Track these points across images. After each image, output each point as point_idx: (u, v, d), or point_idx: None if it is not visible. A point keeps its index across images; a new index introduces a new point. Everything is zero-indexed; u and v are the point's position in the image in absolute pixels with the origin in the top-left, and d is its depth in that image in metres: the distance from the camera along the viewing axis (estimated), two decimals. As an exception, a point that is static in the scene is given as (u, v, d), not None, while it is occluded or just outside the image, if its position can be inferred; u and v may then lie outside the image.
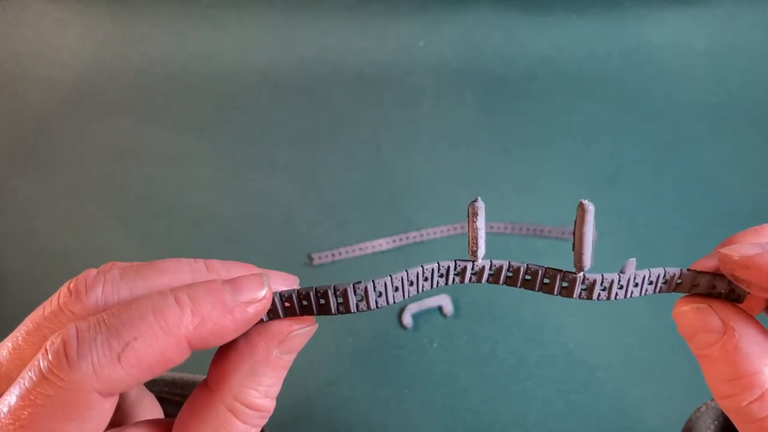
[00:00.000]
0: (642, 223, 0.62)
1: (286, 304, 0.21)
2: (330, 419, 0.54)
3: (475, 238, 0.20)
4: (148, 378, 0.18)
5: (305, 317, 0.21)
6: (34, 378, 0.17)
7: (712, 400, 0.29)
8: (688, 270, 0.22)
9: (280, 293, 0.21)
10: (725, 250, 0.20)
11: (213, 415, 0.19)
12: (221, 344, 0.20)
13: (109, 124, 0.70)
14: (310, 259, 0.62)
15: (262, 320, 0.21)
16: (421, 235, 0.62)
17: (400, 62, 0.72)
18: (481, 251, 0.21)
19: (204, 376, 0.21)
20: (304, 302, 0.21)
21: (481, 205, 0.20)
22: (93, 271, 0.20)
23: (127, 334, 0.17)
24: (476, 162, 0.66)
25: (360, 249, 0.62)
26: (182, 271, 0.21)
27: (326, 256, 0.62)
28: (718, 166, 0.66)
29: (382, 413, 0.54)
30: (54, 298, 0.19)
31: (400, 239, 0.62)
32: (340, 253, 0.62)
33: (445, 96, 0.70)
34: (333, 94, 0.71)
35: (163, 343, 0.18)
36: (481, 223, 0.20)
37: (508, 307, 0.58)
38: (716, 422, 0.28)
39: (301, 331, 0.21)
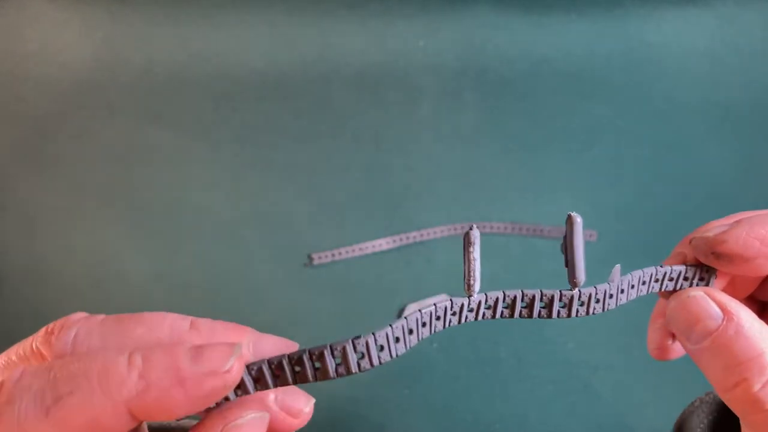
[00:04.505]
0: (642, 223, 0.62)
1: (256, 376, 0.18)
2: (330, 419, 0.54)
3: (472, 271, 0.19)
4: None
5: (250, 402, 0.18)
6: None
7: (706, 394, 0.29)
8: (663, 266, 0.22)
9: (269, 360, 0.18)
10: (698, 233, 0.22)
11: None
12: (171, 419, 0.17)
13: (109, 124, 0.69)
14: (310, 259, 0.62)
15: (228, 398, 0.18)
16: (421, 235, 0.62)
17: (400, 62, 0.72)
18: (477, 285, 0.20)
19: (194, 422, 0.18)
20: (297, 368, 0.18)
21: (476, 233, 0.19)
22: (77, 315, 0.19)
23: (63, 387, 0.15)
24: (476, 162, 0.66)
25: (360, 249, 0.62)
26: (161, 326, 0.19)
27: (326, 256, 0.62)
28: (718, 166, 0.66)
29: (382, 413, 0.54)
30: (33, 337, 0.18)
31: (400, 239, 0.62)
32: (340, 253, 0.62)
33: (445, 96, 0.70)
34: (333, 94, 0.71)
35: (98, 405, 0.15)
36: (477, 252, 0.19)
37: (508, 307, 0.58)
38: (709, 417, 0.28)
39: (241, 421, 0.17)
